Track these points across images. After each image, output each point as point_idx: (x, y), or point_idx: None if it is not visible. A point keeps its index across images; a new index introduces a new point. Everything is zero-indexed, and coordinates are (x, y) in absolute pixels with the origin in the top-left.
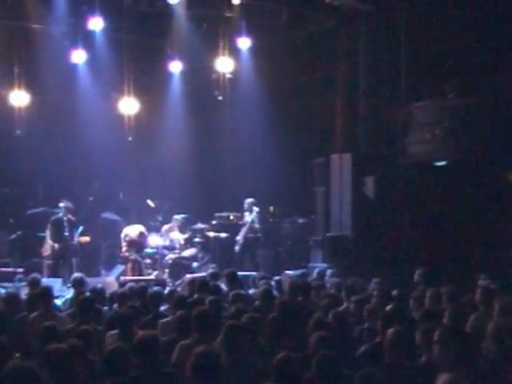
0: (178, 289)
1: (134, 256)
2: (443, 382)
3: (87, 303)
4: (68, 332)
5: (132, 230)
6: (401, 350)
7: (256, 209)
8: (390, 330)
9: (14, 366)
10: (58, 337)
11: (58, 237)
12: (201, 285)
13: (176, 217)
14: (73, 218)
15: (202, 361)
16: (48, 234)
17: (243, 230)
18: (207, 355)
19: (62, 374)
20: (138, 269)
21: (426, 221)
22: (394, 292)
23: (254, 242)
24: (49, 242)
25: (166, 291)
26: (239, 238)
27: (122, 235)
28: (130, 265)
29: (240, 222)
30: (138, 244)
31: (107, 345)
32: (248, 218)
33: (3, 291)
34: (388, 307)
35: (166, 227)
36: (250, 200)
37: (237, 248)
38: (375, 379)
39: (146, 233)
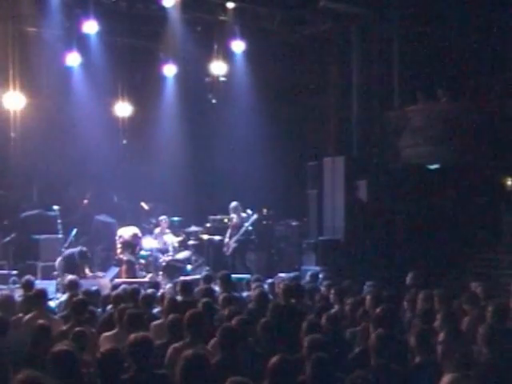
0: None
1: (128, 257)
2: (446, 382)
3: (81, 305)
4: (62, 334)
5: (126, 232)
6: (386, 352)
7: (249, 213)
8: (374, 334)
9: (24, 377)
10: (51, 337)
11: None
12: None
13: (162, 217)
14: None
15: (190, 364)
16: None
17: (235, 233)
18: (196, 359)
19: (65, 376)
20: (132, 270)
21: (419, 224)
22: (385, 294)
23: (247, 244)
24: None
25: (159, 293)
26: (229, 240)
27: (117, 237)
28: (124, 266)
29: (231, 224)
30: (132, 245)
31: (101, 347)
32: (236, 220)
33: None
34: (378, 310)
35: (157, 230)
36: (234, 203)
37: (227, 250)
38: (366, 382)
39: (139, 234)
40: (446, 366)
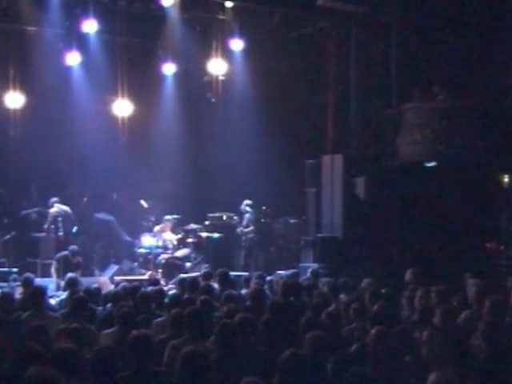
0: (171, 288)
1: None
2: (432, 380)
3: (81, 303)
4: (60, 332)
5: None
6: (385, 348)
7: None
8: (373, 330)
9: (34, 373)
10: (47, 337)
11: None
12: (192, 284)
13: (167, 217)
14: None
15: (190, 360)
16: None
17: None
18: (195, 355)
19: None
20: None
21: (416, 221)
22: (383, 291)
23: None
24: None
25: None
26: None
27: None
28: None
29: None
30: None
31: (101, 344)
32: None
33: None
34: (375, 307)
35: (157, 228)
36: (247, 201)
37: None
38: (364, 378)
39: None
40: (429, 364)
